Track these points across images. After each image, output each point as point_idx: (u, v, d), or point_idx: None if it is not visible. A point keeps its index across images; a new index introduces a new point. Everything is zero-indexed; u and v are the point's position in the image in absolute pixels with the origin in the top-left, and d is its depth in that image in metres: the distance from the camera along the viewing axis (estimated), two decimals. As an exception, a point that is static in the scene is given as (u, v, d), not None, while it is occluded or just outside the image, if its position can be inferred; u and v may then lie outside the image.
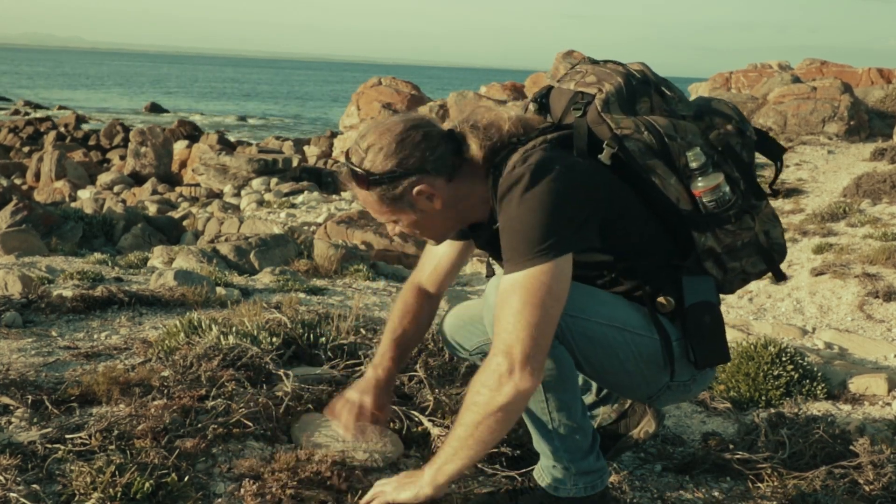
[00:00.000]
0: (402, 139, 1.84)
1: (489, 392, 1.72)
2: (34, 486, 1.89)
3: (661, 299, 1.93)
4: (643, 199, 1.90)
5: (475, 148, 1.87)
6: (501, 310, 1.73)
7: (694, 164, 1.86)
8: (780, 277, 2.06)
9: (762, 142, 2.02)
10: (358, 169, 1.86)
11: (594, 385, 2.36)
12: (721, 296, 2.04)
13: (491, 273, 2.16)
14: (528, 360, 1.70)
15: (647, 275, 1.93)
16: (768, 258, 2.02)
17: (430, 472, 1.86)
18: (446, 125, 1.96)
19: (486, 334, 2.17)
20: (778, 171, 2.07)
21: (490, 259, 2.17)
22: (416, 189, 1.86)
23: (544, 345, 1.72)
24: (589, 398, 2.38)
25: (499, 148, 1.87)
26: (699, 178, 1.86)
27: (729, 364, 3.64)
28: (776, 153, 2.04)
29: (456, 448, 1.80)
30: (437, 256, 2.24)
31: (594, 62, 1.99)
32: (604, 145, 1.86)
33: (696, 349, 1.93)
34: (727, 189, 1.88)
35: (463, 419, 1.78)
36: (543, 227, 1.73)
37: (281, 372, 2.59)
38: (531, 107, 2.01)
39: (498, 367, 1.71)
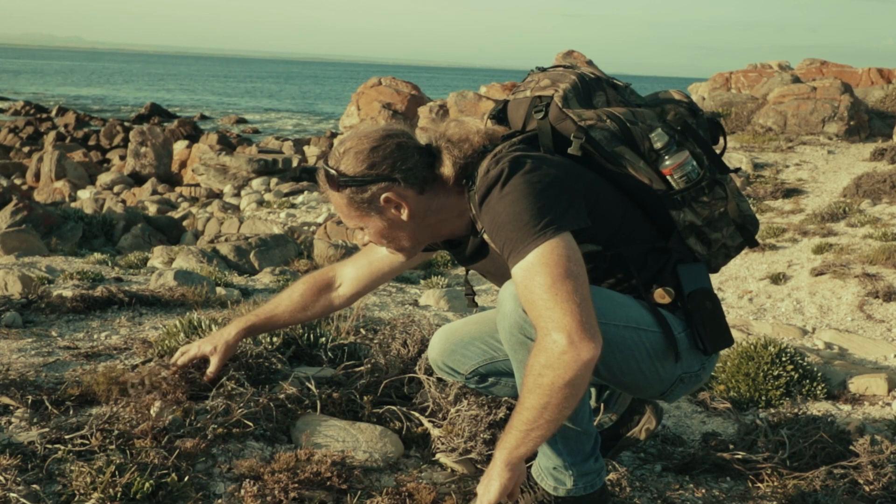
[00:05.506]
0: (377, 146, 1.88)
1: (553, 372, 1.65)
2: (34, 486, 1.89)
3: (660, 291, 1.94)
4: (617, 187, 1.94)
5: (448, 165, 1.90)
6: (530, 293, 1.69)
7: (658, 144, 1.92)
8: (754, 244, 2.13)
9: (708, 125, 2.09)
10: (331, 170, 1.90)
11: (593, 390, 2.36)
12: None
13: (470, 293, 2.17)
14: (584, 329, 1.64)
15: (637, 261, 1.95)
16: (743, 229, 2.08)
17: (501, 459, 1.79)
18: (423, 137, 1.98)
19: (481, 356, 2.18)
20: (724, 146, 2.12)
21: (468, 277, 2.18)
22: (383, 196, 1.89)
23: (591, 309, 1.68)
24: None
25: (470, 162, 1.91)
26: (666, 158, 1.92)
27: (729, 364, 3.64)
28: (717, 131, 2.09)
29: (525, 431, 1.74)
30: (376, 256, 2.24)
31: (542, 70, 2.05)
32: (571, 138, 1.90)
33: (704, 336, 1.94)
34: (694, 163, 1.94)
35: (527, 403, 1.71)
36: (532, 211, 1.73)
37: (282, 366, 2.59)
38: (489, 123, 2.03)
39: (555, 344, 1.65)
